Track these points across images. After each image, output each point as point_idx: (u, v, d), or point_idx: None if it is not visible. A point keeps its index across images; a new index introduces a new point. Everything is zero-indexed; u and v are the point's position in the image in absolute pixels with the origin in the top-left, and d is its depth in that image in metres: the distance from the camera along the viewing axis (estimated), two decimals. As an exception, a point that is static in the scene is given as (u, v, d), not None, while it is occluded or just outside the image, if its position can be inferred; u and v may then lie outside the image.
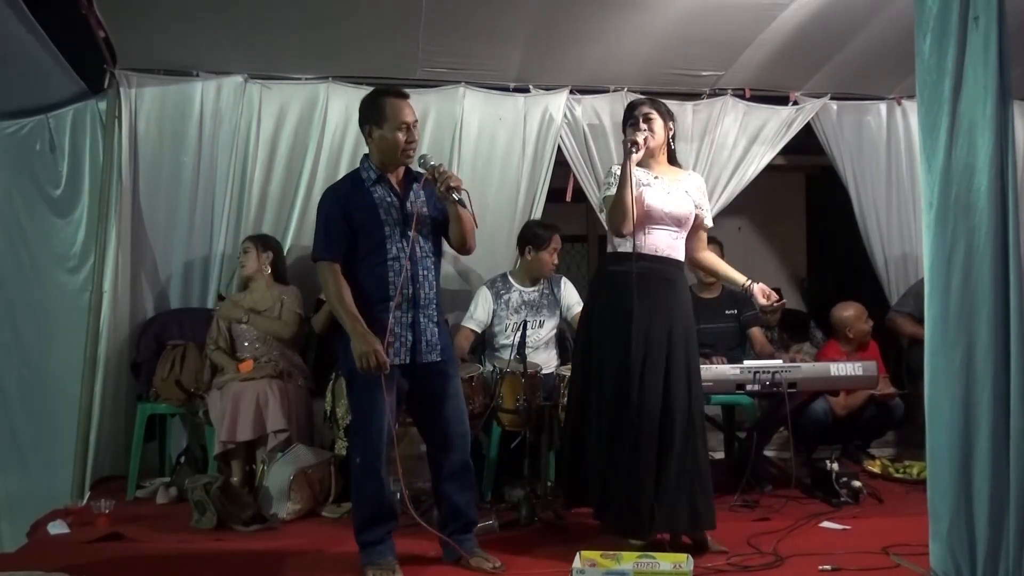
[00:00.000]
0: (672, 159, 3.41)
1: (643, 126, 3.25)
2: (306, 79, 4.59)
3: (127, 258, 4.39)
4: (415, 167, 3.12)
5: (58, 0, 3.71)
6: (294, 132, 4.59)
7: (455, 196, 2.95)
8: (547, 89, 4.77)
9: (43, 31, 3.62)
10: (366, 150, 4.50)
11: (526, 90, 4.77)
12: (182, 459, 4.38)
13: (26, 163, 4.44)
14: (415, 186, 3.08)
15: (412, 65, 4.45)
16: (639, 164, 3.27)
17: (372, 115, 3.05)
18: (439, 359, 3.06)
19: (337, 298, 2.97)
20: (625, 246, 3.22)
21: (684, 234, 3.32)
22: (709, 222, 3.44)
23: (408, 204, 3.04)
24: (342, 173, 4.56)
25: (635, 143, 3.18)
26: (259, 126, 4.54)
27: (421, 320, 3.02)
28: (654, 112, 3.30)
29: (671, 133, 3.36)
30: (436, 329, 3.06)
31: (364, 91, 4.50)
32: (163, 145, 4.49)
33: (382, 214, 3.00)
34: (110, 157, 4.34)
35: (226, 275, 4.51)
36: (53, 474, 4.23)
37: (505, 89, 4.74)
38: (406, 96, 3.07)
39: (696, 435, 3.17)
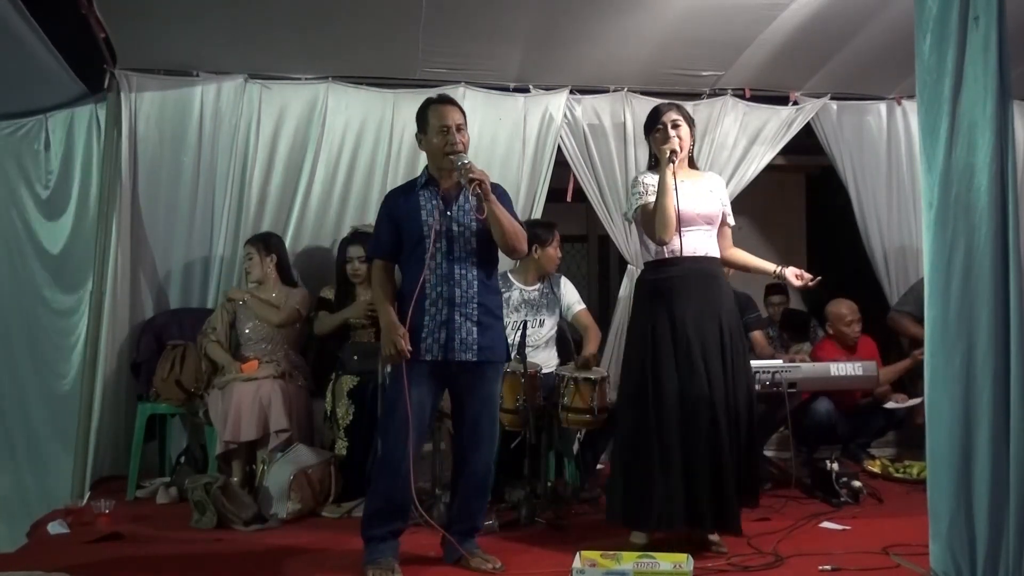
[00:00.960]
0: (692, 162, 3.46)
1: (672, 133, 3.29)
2: (306, 79, 4.60)
3: (127, 258, 4.39)
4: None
5: (58, 0, 3.71)
6: (294, 132, 4.59)
7: (477, 190, 2.96)
8: (547, 89, 4.78)
9: (43, 32, 3.62)
10: (365, 149, 4.67)
11: (526, 90, 4.77)
12: (182, 459, 4.37)
13: (24, 164, 4.44)
14: (466, 192, 3.07)
15: (412, 65, 4.46)
16: (657, 169, 3.31)
17: (420, 124, 3.16)
18: (474, 359, 3.06)
19: (377, 296, 3.14)
20: (662, 252, 3.27)
21: (715, 232, 3.37)
22: (731, 220, 3.46)
23: (455, 207, 3.08)
24: (342, 173, 4.64)
25: (675, 152, 3.23)
26: (259, 126, 4.55)
27: (456, 319, 3.03)
28: (682, 119, 3.34)
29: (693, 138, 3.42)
30: (475, 329, 3.05)
31: (364, 91, 4.61)
32: (163, 145, 4.49)
33: (424, 215, 3.06)
34: (110, 157, 4.34)
35: (226, 275, 4.51)
36: (53, 474, 4.24)
37: (505, 89, 4.75)
38: (449, 101, 3.17)
39: (754, 428, 3.30)
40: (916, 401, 4.50)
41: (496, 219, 3.01)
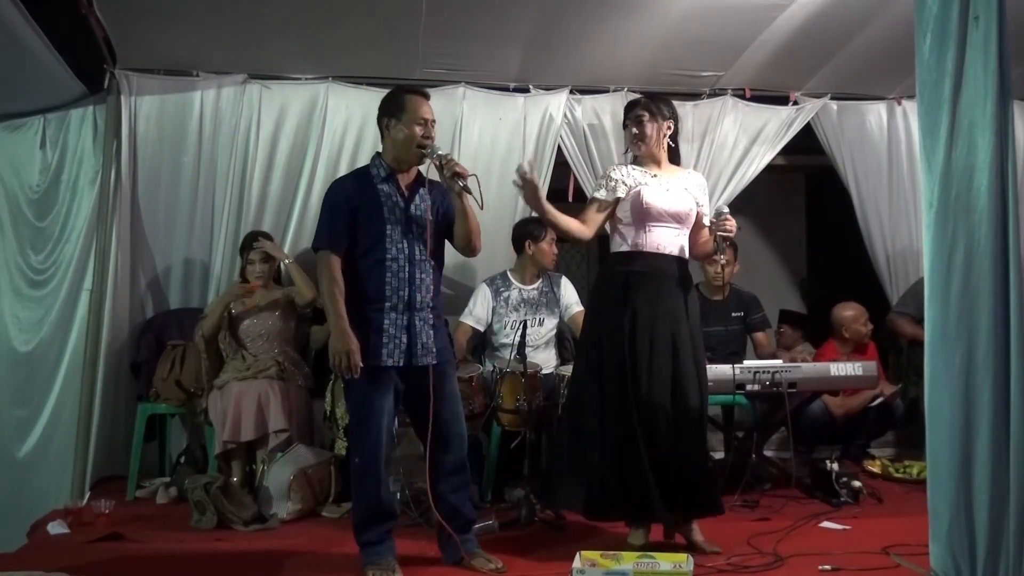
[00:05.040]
0: (673, 158, 3.42)
1: (633, 130, 3.31)
2: (306, 79, 4.60)
3: (127, 258, 4.39)
4: (427, 165, 3.10)
5: (58, 0, 3.70)
6: (294, 132, 4.59)
7: (460, 183, 2.95)
8: (547, 89, 4.78)
9: (43, 31, 3.61)
10: (365, 149, 4.63)
11: (526, 90, 4.77)
12: (182, 459, 4.37)
13: (22, 164, 4.43)
14: (422, 190, 3.07)
15: (412, 65, 4.45)
16: (637, 163, 3.34)
17: (391, 109, 3.06)
18: (435, 362, 3.05)
19: (328, 293, 2.97)
20: (623, 246, 3.27)
21: (686, 231, 3.33)
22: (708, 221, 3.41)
23: (412, 206, 3.05)
24: (342, 173, 4.57)
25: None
26: (259, 126, 4.55)
27: (416, 323, 3.01)
28: (645, 113, 3.32)
29: (670, 131, 3.36)
30: (432, 332, 3.05)
31: (364, 91, 4.60)
32: (163, 145, 4.49)
33: (386, 212, 3.00)
34: (110, 157, 4.34)
35: (226, 275, 4.51)
36: (53, 474, 4.23)
37: (505, 89, 4.75)
38: (427, 96, 3.11)
39: (704, 427, 3.31)
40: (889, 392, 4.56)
41: (470, 214, 3.01)
